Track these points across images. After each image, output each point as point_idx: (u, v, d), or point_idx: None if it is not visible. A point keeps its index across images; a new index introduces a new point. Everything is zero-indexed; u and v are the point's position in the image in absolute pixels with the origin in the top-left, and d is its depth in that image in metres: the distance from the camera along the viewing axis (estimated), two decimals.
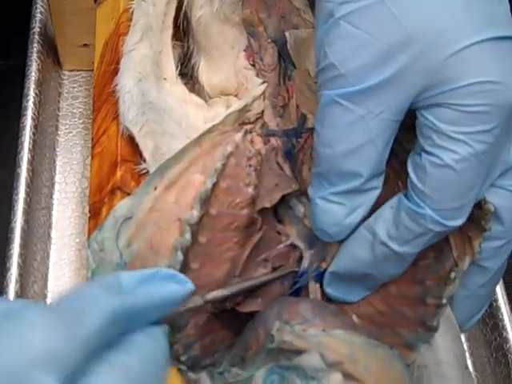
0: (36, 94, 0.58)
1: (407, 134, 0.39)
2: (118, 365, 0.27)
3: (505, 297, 0.53)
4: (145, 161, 0.45)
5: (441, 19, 0.34)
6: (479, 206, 0.38)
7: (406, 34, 0.34)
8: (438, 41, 0.34)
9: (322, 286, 0.42)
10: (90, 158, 0.58)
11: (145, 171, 0.45)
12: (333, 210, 0.38)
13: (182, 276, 0.31)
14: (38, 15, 0.62)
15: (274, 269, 0.39)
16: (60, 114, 0.63)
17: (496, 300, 0.53)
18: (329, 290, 0.41)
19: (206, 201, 0.39)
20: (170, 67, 0.50)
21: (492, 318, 0.53)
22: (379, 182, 0.38)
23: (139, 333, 0.29)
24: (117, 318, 0.27)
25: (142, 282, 0.30)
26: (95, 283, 0.30)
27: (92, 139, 0.51)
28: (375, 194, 0.38)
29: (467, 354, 0.56)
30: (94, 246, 0.37)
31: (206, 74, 0.51)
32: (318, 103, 0.37)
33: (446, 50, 0.34)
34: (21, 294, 0.49)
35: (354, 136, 0.36)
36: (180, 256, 0.38)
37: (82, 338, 0.26)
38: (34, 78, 0.59)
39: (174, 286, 0.31)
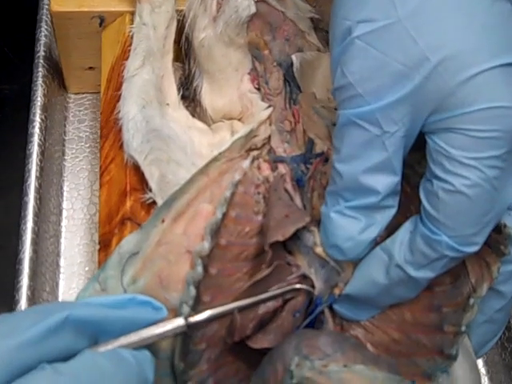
0: (42, 119, 0.57)
1: (418, 157, 0.39)
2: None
3: None
4: (151, 190, 0.44)
5: (457, 42, 0.34)
6: (498, 230, 0.37)
7: (421, 54, 0.34)
8: (453, 63, 0.34)
9: (331, 310, 0.41)
10: (97, 183, 0.58)
11: (151, 201, 0.44)
12: (347, 224, 0.38)
13: (157, 303, 0.33)
14: (43, 39, 0.61)
15: (285, 301, 0.38)
16: (66, 138, 0.62)
17: None
18: (337, 308, 0.41)
19: (216, 231, 0.38)
20: (173, 92, 0.50)
21: (511, 342, 0.52)
22: (395, 201, 0.38)
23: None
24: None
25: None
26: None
27: (100, 167, 0.50)
28: (391, 212, 0.38)
29: (486, 379, 0.54)
30: (95, 285, 0.36)
31: (209, 97, 0.50)
32: (336, 122, 0.37)
33: (461, 74, 0.34)
34: None
35: (371, 154, 0.36)
36: (193, 291, 0.37)
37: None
38: (39, 103, 0.58)
39: (149, 312, 0.32)
